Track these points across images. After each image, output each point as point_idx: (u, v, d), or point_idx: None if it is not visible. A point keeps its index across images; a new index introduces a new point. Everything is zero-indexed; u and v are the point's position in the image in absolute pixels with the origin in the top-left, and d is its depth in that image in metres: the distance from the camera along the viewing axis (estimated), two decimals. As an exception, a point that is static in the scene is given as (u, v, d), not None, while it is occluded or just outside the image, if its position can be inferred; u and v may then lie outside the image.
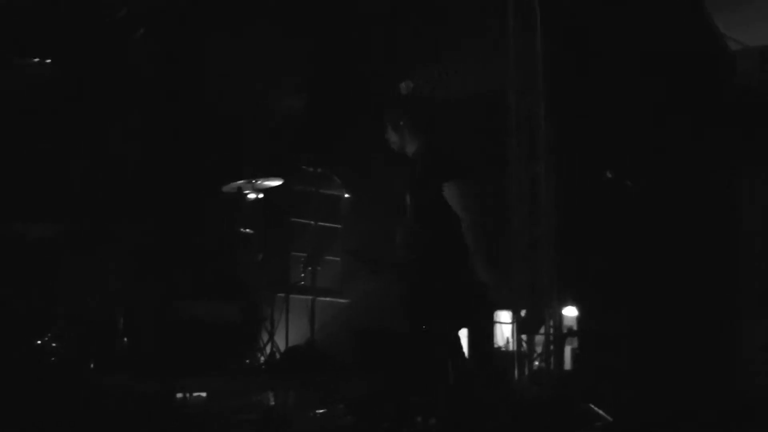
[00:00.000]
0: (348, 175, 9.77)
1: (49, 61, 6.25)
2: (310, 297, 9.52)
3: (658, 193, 9.50)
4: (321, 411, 7.98)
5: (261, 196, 9.38)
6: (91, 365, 7.72)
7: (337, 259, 10.62)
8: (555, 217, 10.33)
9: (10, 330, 7.67)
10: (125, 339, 8.20)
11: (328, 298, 10.24)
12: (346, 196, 10.06)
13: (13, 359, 7.40)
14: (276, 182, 9.35)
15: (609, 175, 8.72)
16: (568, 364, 10.16)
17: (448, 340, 6.93)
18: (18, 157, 8.31)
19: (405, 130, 6.82)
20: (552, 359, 10.11)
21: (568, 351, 10.20)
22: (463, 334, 7.75)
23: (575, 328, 10.27)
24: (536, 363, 10.15)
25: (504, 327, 10.06)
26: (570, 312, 10.30)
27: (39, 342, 7.82)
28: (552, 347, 10.15)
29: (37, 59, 6.26)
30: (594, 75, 10.11)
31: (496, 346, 9.85)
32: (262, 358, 9.02)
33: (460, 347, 7.04)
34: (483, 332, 7.57)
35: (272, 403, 8.17)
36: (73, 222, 8.28)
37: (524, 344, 10.18)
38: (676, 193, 9.67)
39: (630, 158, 9.54)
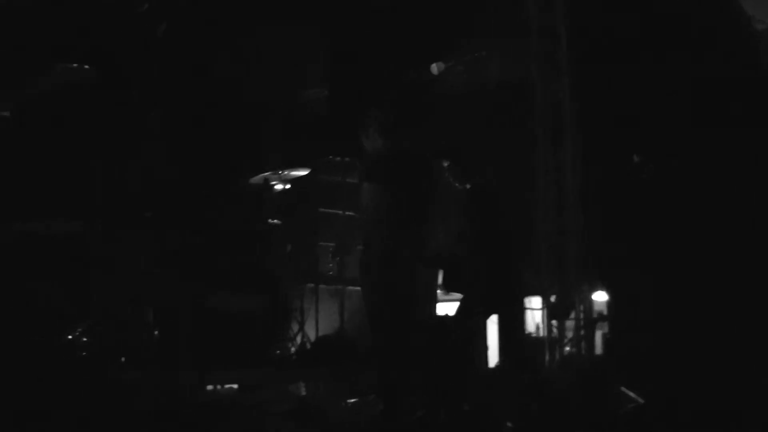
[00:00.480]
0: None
1: (87, 67, 6.31)
2: (339, 287, 9.53)
3: (686, 177, 9.45)
4: (353, 400, 7.99)
5: (288, 186, 9.39)
6: (122, 359, 7.75)
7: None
8: (582, 202, 10.31)
9: (41, 325, 7.71)
10: (155, 332, 8.24)
11: (357, 288, 10.23)
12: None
13: (44, 354, 7.44)
14: (303, 172, 9.36)
15: (636, 159, 8.68)
16: (598, 348, 10.13)
17: (476, 328, 6.98)
18: (49, 155, 8.35)
19: (375, 134, 7.02)
20: (583, 344, 10.09)
21: (598, 336, 10.17)
22: (494, 320, 7.80)
23: (605, 313, 10.24)
24: (567, 348, 10.13)
25: (534, 313, 10.04)
26: (600, 297, 10.28)
27: (69, 337, 7.86)
28: (582, 332, 10.13)
29: (75, 64, 6.32)
30: (619, 59, 10.06)
31: (526, 332, 9.83)
32: (293, 349, 9.04)
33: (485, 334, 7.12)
34: (514, 319, 7.58)
35: (304, 393, 8.19)
36: (101, 217, 8.31)
37: (555, 330, 10.17)
38: (705, 176, 9.60)
39: (657, 142, 9.50)
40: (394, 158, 7.02)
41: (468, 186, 7.46)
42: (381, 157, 7.04)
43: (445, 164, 7.55)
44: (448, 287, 8.05)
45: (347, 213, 9.86)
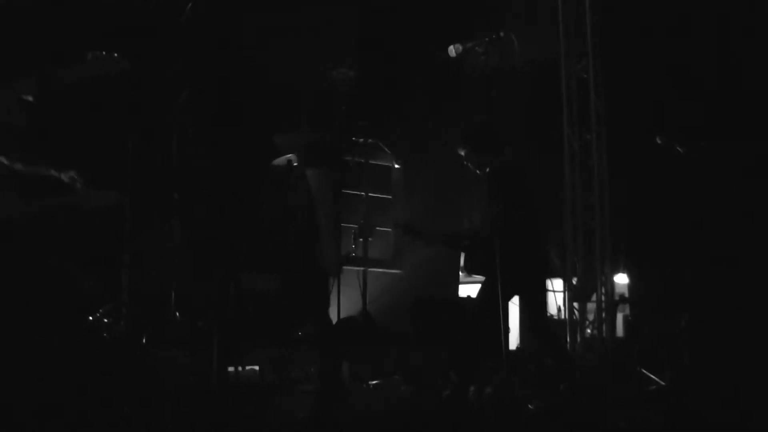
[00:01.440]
0: (399, 146, 9.79)
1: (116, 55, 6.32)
2: (362, 268, 9.56)
3: (710, 159, 9.41)
4: (376, 382, 8.04)
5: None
6: (144, 340, 7.79)
7: (388, 230, 10.64)
8: (606, 184, 10.32)
9: (65, 305, 7.73)
10: (177, 314, 8.30)
11: (379, 270, 10.27)
12: (396, 167, 10.09)
13: (68, 335, 7.48)
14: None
15: (659, 141, 8.66)
16: (620, 331, 10.14)
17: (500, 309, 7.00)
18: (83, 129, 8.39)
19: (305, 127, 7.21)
20: (604, 327, 10.10)
21: (620, 318, 10.17)
22: (515, 302, 7.82)
23: (627, 295, 10.24)
24: (588, 331, 10.14)
25: (556, 295, 10.05)
26: (621, 279, 10.28)
27: (90, 318, 7.90)
28: (604, 315, 10.15)
29: (107, 53, 6.34)
30: (643, 40, 10.04)
31: (548, 314, 9.84)
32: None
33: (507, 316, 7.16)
34: (538, 302, 7.60)
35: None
36: (128, 197, 8.35)
37: (576, 312, 10.18)
38: (728, 158, 9.57)
39: (680, 123, 9.47)
40: (322, 147, 7.18)
41: (488, 170, 7.44)
42: (313, 146, 7.20)
43: (462, 153, 7.51)
44: (470, 269, 8.06)
45: (371, 195, 9.88)
